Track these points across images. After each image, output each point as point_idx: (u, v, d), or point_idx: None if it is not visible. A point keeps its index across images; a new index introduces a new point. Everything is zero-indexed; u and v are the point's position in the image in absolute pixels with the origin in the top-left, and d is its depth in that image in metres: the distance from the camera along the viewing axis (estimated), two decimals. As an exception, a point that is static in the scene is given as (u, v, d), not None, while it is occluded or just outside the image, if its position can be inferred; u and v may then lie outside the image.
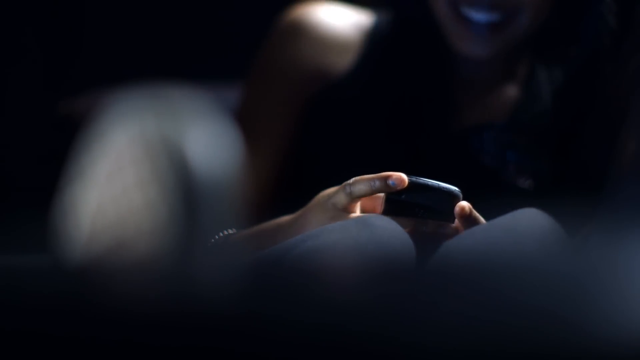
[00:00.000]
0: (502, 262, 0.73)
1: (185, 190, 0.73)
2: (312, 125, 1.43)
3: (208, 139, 0.75)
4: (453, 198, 1.04)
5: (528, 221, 1.05)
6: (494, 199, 1.05)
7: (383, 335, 0.61)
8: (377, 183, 1.05)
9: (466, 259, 0.99)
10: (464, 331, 0.61)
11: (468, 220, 1.04)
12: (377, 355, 0.61)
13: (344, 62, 1.43)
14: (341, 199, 1.06)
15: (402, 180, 1.04)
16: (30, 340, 0.63)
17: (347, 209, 1.07)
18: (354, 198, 1.06)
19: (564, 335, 0.61)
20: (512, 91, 1.41)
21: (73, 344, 0.62)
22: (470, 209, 1.04)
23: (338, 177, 1.10)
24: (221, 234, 1.05)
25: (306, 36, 1.43)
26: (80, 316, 0.63)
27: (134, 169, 0.75)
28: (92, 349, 0.62)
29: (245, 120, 1.44)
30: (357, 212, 1.08)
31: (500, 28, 1.31)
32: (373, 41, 1.42)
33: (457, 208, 1.04)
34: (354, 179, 1.06)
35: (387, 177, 1.04)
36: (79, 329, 0.63)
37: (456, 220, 1.06)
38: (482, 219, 1.05)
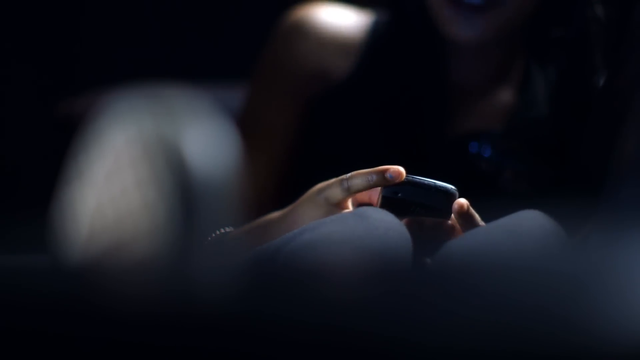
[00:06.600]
0: (504, 263, 0.73)
1: (183, 191, 0.73)
2: (312, 125, 1.43)
3: (206, 139, 0.75)
4: (449, 196, 1.05)
5: (530, 222, 1.05)
6: (491, 204, 1.05)
7: (383, 335, 0.61)
8: (374, 177, 1.04)
9: (468, 259, 0.99)
10: (465, 331, 0.61)
11: (465, 217, 1.05)
12: (377, 355, 0.61)
13: (344, 63, 1.43)
14: (336, 193, 1.06)
15: (399, 173, 1.04)
16: (30, 340, 0.63)
17: (341, 204, 1.07)
18: (350, 193, 1.06)
19: (565, 336, 0.61)
20: (508, 97, 1.41)
21: (72, 344, 0.62)
22: (468, 206, 1.04)
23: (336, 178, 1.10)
24: (217, 232, 1.05)
25: (308, 37, 1.43)
26: (79, 316, 0.63)
27: (132, 170, 0.75)
28: (91, 349, 0.62)
29: (248, 120, 1.44)
30: (350, 208, 1.08)
31: (489, 9, 1.32)
32: (373, 42, 1.43)
33: (455, 205, 1.04)
34: (350, 173, 1.06)
35: (385, 170, 1.04)
36: (78, 329, 0.63)
37: (452, 218, 1.06)
38: (478, 217, 1.05)
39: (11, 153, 1.72)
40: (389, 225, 1.00)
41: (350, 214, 1.02)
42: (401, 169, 1.05)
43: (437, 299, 0.63)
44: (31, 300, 0.64)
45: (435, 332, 0.61)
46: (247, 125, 1.44)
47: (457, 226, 1.06)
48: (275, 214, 1.15)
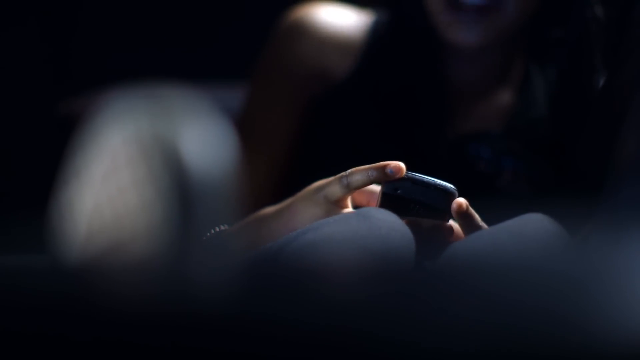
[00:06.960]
0: (508, 265, 0.73)
1: (181, 190, 0.73)
2: (312, 125, 1.43)
3: (203, 138, 0.75)
4: (449, 196, 1.05)
5: (534, 225, 1.05)
6: (490, 205, 1.05)
7: (385, 336, 0.61)
8: (374, 173, 1.04)
9: (472, 260, 0.99)
10: (467, 332, 0.61)
11: (464, 217, 1.05)
12: (381, 356, 0.61)
13: (344, 63, 1.43)
14: (336, 191, 1.06)
15: (399, 168, 1.04)
16: (29, 340, 0.62)
17: (340, 203, 1.07)
18: (350, 190, 1.06)
19: (565, 336, 0.61)
20: (507, 97, 1.41)
21: (71, 344, 0.62)
22: (467, 206, 1.05)
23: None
24: (212, 231, 1.05)
25: (308, 36, 1.44)
26: (78, 316, 0.63)
27: (129, 169, 0.75)
28: (90, 349, 0.62)
29: (248, 120, 1.45)
30: (350, 207, 1.08)
31: (489, 12, 1.31)
32: (373, 42, 1.43)
33: (454, 204, 1.04)
34: (350, 170, 1.06)
35: (385, 166, 1.04)
36: (76, 328, 0.63)
37: (451, 219, 1.06)
38: (478, 217, 1.05)
39: (10, 152, 1.72)
40: (391, 226, 1.00)
41: (352, 214, 1.02)
42: (401, 165, 1.05)
43: (441, 300, 0.63)
44: (29, 300, 0.64)
45: (438, 334, 0.61)
46: (247, 125, 1.44)
47: (457, 228, 1.06)
48: (270, 210, 1.15)
